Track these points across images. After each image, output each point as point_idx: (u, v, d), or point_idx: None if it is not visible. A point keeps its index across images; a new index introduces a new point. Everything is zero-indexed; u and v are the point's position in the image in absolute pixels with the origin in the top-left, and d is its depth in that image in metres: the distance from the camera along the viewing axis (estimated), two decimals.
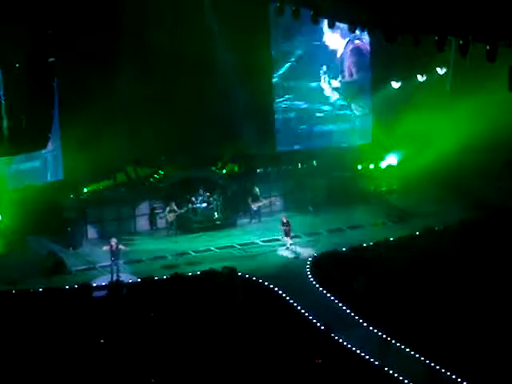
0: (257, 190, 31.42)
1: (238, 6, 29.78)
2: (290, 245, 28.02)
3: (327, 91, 33.26)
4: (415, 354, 21.08)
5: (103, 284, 25.55)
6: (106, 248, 26.25)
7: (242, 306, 23.54)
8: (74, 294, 24.73)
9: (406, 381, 19.80)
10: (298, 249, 27.97)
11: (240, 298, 24.02)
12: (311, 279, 25.89)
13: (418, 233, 28.63)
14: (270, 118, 33.12)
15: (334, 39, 32.68)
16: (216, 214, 31.19)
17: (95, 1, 28.59)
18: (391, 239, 28.28)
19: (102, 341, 21.73)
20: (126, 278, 25.98)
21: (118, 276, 25.98)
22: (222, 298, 24.10)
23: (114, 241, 26.37)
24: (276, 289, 24.99)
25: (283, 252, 27.97)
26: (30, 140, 23.52)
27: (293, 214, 31.76)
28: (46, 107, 22.96)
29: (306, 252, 27.82)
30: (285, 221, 28.31)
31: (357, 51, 33.33)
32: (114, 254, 26.16)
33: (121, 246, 26.37)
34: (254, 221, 31.18)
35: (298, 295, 24.50)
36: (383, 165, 33.95)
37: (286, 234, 28.18)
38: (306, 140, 33.66)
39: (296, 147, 33.71)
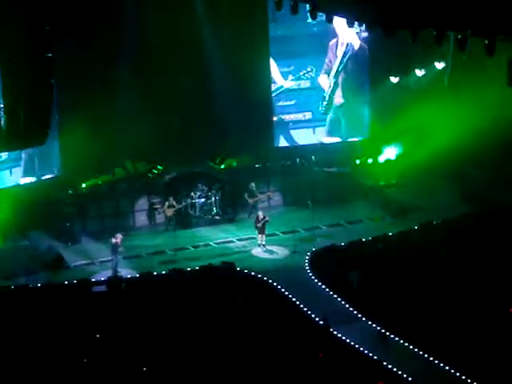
0: (252, 185, 31.38)
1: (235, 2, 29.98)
2: (263, 245, 27.95)
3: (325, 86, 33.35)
4: (414, 348, 21.11)
5: (102, 279, 25.56)
6: (114, 241, 26.36)
7: (241, 302, 23.56)
8: (72, 290, 24.73)
9: (404, 375, 19.81)
10: (269, 252, 27.94)
11: (240, 299, 23.99)
12: (310, 274, 25.92)
13: (416, 227, 28.63)
14: (267, 113, 33.19)
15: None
16: (214, 209, 31.23)
17: None
18: (390, 234, 28.29)
19: (97, 335, 21.70)
20: (126, 273, 26.00)
21: (116, 271, 26.04)
22: (221, 293, 24.10)
23: (119, 236, 26.51)
24: (275, 283, 25.02)
25: (258, 252, 27.86)
26: (28, 135, 23.49)
27: (291, 209, 31.92)
28: (44, 103, 22.91)
29: (281, 251, 27.84)
30: (261, 217, 28.12)
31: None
32: (116, 249, 26.21)
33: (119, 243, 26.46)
34: (252, 216, 31.17)
35: (296, 290, 24.52)
36: (381, 159, 33.95)
37: (261, 232, 28.04)
38: (303, 135, 33.77)
39: (294, 143, 33.78)
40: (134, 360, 20.39)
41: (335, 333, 21.86)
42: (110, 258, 26.69)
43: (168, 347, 21.09)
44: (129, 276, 25.74)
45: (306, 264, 26.53)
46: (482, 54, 20.19)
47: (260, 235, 28.12)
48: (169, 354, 20.72)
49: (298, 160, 33.24)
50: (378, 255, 26.56)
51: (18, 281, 25.12)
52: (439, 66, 32.88)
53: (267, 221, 28.17)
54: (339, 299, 24.05)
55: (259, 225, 28.05)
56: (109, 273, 26.18)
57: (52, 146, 28.93)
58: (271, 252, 27.86)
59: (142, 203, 31.22)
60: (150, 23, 29.97)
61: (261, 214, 28.29)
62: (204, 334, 21.59)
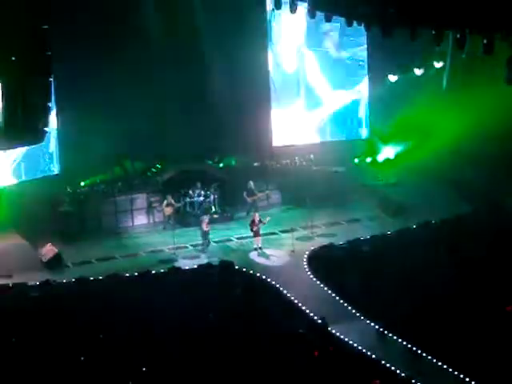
0: (251, 183, 31.40)
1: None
2: (260, 248, 27.74)
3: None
4: (412, 347, 21.11)
5: (100, 277, 25.45)
6: (204, 225, 27.36)
7: (239, 300, 23.55)
8: (70, 288, 24.72)
9: (402, 374, 19.82)
10: (268, 251, 27.75)
11: (238, 292, 23.97)
12: (308, 272, 25.92)
13: (414, 226, 28.64)
14: (266, 112, 33.28)
15: None
16: (213, 207, 31.23)
17: None
18: (388, 232, 28.31)
19: (95, 334, 21.69)
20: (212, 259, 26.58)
21: (205, 252, 27.14)
22: (220, 291, 24.11)
23: (206, 219, 27.43)
24: (273, 282, 25.02)
25: (256, 254, 27.65)
26: (25, 134, 23.49)
27: (290, 207, 31.95)
28: (42, 101, 22.90)
29: (279, 250, 27.75)
30: (257, 220, 27.74)
31: None
32: (206, 231, 27.24)
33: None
34: (250, 214, 31.17)
35: (294, 288, 24.53)
36: (380, 158, 33.98)
37: (257, 235, 27.77)
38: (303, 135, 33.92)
39: (293, 142, 33.85)
40: (133, 359, 20.38)
41: (333, 331, 21.85)
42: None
43: (166, 346, 21.08)
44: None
45: (305, 263, 26.54)
46: (481, 54, 20.22)
47: (256, 238, 27.91)
48: (166, 353, 20.72)
49: (296, 159, 33.33)
50: (377, 254, 26.54)
51: (16, 279, 25.08)
52: (438, 65, 32.90)
53: (264, 223, 27.99)
54: (337, 298, 24.06)
55: (255, 228, 27.77)
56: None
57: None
58: (269, 252, 27.80)
59: (141, 202, 31.23)
60: (149, 22, 30.06)
61: (257, 217, 28.15)
62: (202, 333, 21.57)
